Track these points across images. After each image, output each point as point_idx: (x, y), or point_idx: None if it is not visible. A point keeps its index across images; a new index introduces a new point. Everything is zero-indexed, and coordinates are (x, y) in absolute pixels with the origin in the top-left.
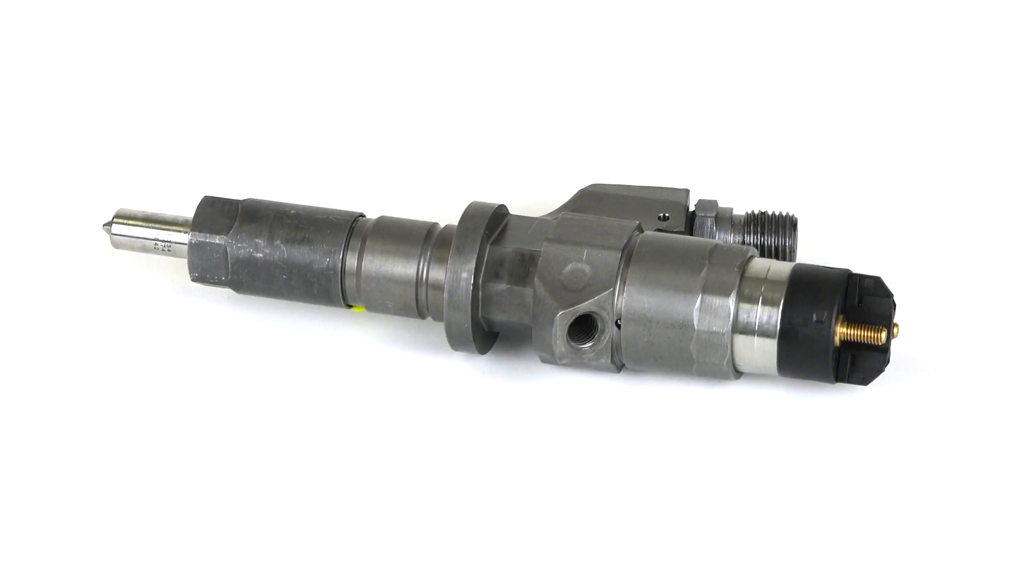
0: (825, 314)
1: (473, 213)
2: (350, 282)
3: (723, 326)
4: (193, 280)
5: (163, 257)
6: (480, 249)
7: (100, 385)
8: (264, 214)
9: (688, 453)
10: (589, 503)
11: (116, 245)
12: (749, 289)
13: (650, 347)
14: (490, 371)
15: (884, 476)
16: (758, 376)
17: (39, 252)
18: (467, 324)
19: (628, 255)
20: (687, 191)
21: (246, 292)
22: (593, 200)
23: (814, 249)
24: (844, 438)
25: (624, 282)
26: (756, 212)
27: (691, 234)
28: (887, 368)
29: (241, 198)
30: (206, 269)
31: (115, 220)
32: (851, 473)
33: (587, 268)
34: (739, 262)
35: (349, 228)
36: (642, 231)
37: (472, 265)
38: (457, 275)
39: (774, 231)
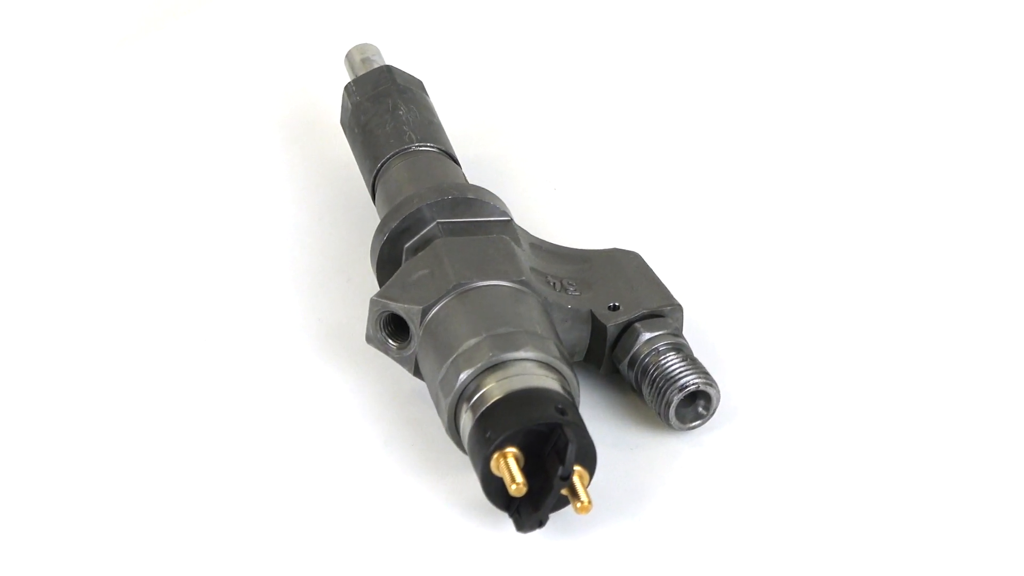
0: (494, 435)
1: (436, 187)
2: (378, 184)
3: (449, 392)
4: (340, 123)
5: None
6: (409, 216)
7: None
8: (383, 102)
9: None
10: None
11: (348, 67)
12: (490, 378)
13: (425, 377)
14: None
15: None
16: None
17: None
18: (373, 269)
19: (465, 291)
20: (678, 307)
21: (353, 152)
22: (606, 261)
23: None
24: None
25: (438, 309)
26: (688, 356)
27: (620, 336)
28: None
29: (403, 80)
30: (344, 120)
31: (351, 50)
32: None
33: (430, 279)
34: (509, 352)
35: (402, 148)
36: (522, 286)
37: (396, 224)
38: (384, 228)
39: (666, 379)
